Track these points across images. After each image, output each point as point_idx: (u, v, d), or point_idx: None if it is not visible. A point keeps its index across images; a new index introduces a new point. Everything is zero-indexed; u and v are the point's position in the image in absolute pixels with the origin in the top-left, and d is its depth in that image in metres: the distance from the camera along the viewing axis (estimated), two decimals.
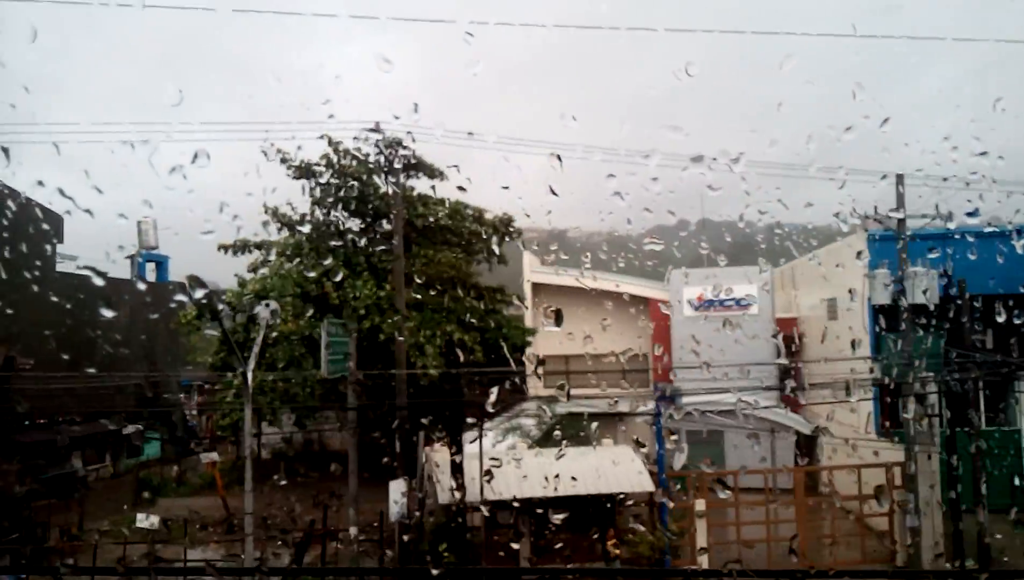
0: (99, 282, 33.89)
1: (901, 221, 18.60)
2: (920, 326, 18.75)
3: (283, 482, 24.30)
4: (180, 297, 40.16)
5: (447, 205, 27.62)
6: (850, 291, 24.16)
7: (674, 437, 21.47)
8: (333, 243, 27.23)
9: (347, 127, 37.47)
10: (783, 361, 28.90)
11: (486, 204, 28.56)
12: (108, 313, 33.06)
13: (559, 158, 7.13)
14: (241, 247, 27.22)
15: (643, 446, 21.51)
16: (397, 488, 19.07)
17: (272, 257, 27.87)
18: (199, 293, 12.03)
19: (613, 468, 18.80)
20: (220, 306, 12.31)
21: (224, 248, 26.77)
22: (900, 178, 18.14)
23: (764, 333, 28.57)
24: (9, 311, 26.82)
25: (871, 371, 20.80)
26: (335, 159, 26.47)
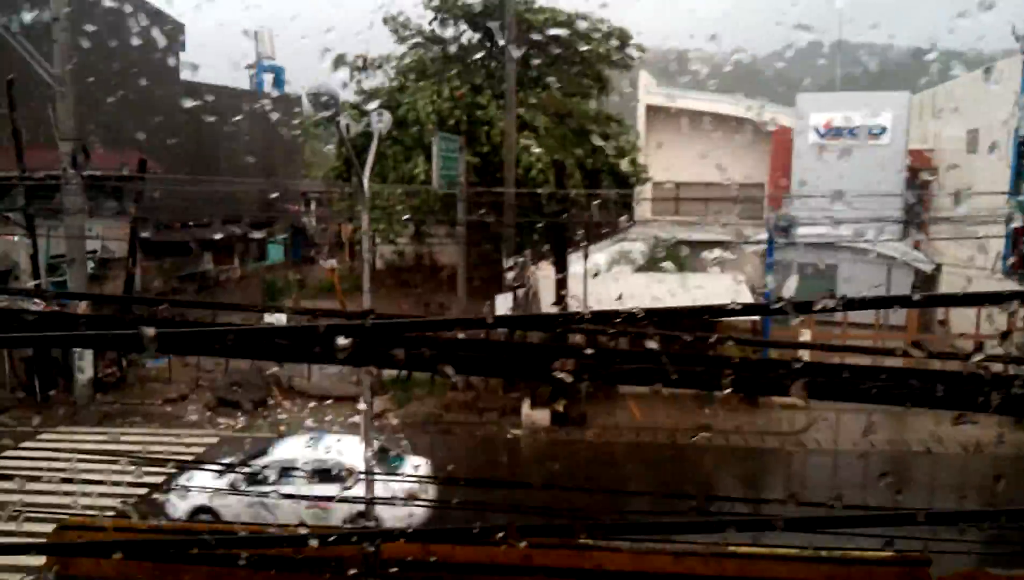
0: (220, 91, 34.81)
1: None
2: None
3: (396, 290, 25.47)
4: (297, 109, 40.93)
5: (567, 17, 26.37)
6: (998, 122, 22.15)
7: (785, 267, 21.03)
8: (454, 56, 26.71)
9: None
10: (911, 194, 27.30)
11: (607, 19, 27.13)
12: (229, 122, 34.10)
13: None
14: (361, 64, 27.07)
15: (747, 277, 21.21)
16: (503, 301, 19.70)
17: (392, 73, 27.62)
18: (322, 101, 12.11)
19: (716, 295, 18.71)
20: (341, 117, 12.35)
21: (339, 63, 26.69)
22: None
23: (894, 165, 26.84)
24: (137, 117, 28.06)
25: (1008, 207, 19.40)
26: None
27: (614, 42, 27.00)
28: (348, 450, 12.50)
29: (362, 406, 11.14)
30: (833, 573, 10.67)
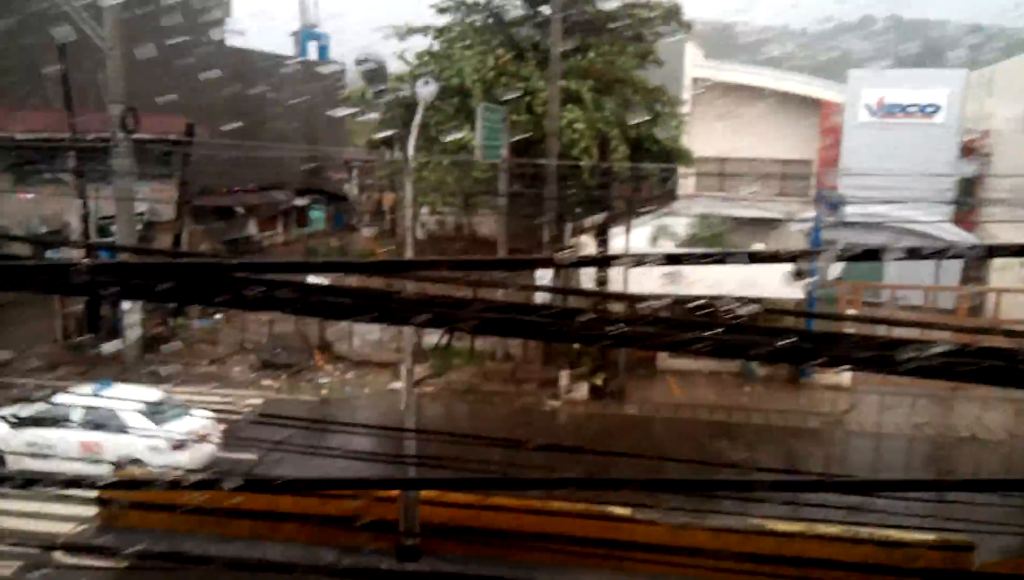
0: (264, 57, 34.99)
1: None
2: None
3: None
4: (339, 75, 41.01)
5: None
6: None
7: (831, 247, 20.64)
8: (497, 24, 26.43)
9: None
10: (963, 175, 26.58)
11: None
12: (273, 89, 34.30)
13: None
14: (404, 32, 26.93)
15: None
16: (542, 274, 19.65)
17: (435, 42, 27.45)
18: (368, 68, 12.11)
19: (758, 274, 18.41)
20: (384, 86, 12.36)
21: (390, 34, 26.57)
22: None
23: (947, 144, 26.13)
24: (184, 82, 28.34)
25: None
26: None
27: (661, 12, 26.51)
28: (128, 401, 13.12)
29: (403, 371, 11.29)
30: (872, 555, 10.60)
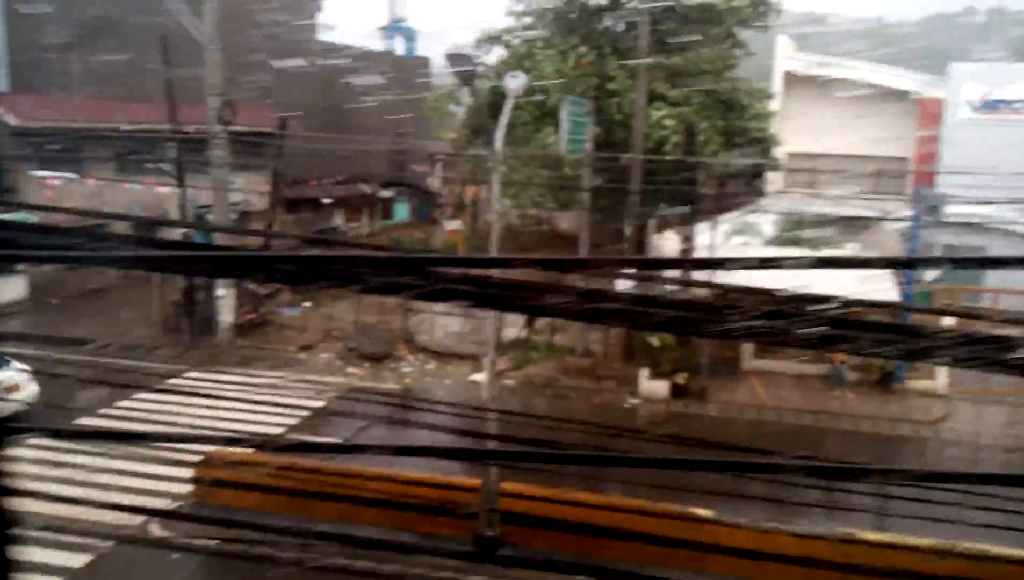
0: (353, 52, 35.74)
1: None
2: None
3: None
4: (424, 70, 41.55)
5: None
6: None
7: (929, 248, 19.83)
8: (578, 21, 26.32)
9: None
10: None
11: None
12: (362, 83, 34.99)
13: None
14: (491, 34, 27.12)
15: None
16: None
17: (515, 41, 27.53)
18: (456, 63, 12.25)
19: (851, 275, 17.82)
20: (471, 80, 12.49)
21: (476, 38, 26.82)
22: None
23: None
24: (276, 76, 29.21)
25: None
26: None
27: (751, 3, 25.88)
28: None
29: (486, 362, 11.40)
30: (964, 569, 10.15)
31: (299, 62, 30.77)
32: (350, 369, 18.95)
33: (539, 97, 23.41)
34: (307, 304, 22.87)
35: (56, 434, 9.49)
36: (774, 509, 10.98)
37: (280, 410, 14.13)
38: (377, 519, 11.36)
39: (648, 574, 10.99)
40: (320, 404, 16.08)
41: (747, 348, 18.92)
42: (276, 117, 24.06)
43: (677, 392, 17.74)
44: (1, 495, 0.64)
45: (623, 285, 19.04)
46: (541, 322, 19.70)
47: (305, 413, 15.34)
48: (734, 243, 21.34)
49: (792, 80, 30.47)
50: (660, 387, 17.82)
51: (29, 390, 14.35)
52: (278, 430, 14.39)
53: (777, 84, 30.20)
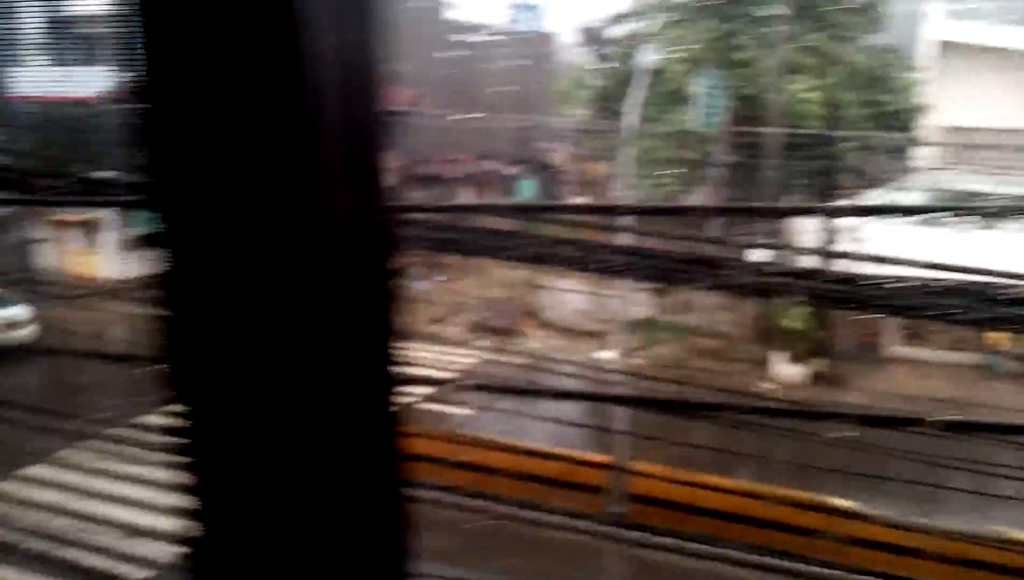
0: (479, 28, 36.04)
1: None
2: None
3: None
4: (552, 46, 41.41)
5: None
6: None
7: None
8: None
9: None
10: None
11: None
12: (489, 60, 35.24)
13: None
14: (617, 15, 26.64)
15: None
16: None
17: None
18: (587, 37, 12.10)
19: (1017, 254, 16.49)
20: (602, 55, 12.36)
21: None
22: None
23: None
24: (405, 53, 29.75)
25: None
26: None
27: None
28: None
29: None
30: None
31: (426, 38, 31.25)
32: (477, 342, 19.30)
33: (672, 71, 22.86)
34: (440, 278, 23.39)
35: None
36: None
37: (412, 382, 14.54)
38: (507, 489, 11.53)
39: (780, 563, 10.68)
40: (452, 376, 16.46)
41: (891, 333, 17.94)
42: (405, 95, 24.59)
43: (813, 377, 17.07)
44: (398, 452, 0.63)
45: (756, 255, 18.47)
46: (668, 301, 19.40)
47: (438, 386, 15.69)
48: (876, 223, 20.19)
49: (943, 48, 28.50)
50: (795, 372, 17.18)
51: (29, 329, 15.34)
52: (410, 401, 14.82)
53: (926, 53, 28.35)
